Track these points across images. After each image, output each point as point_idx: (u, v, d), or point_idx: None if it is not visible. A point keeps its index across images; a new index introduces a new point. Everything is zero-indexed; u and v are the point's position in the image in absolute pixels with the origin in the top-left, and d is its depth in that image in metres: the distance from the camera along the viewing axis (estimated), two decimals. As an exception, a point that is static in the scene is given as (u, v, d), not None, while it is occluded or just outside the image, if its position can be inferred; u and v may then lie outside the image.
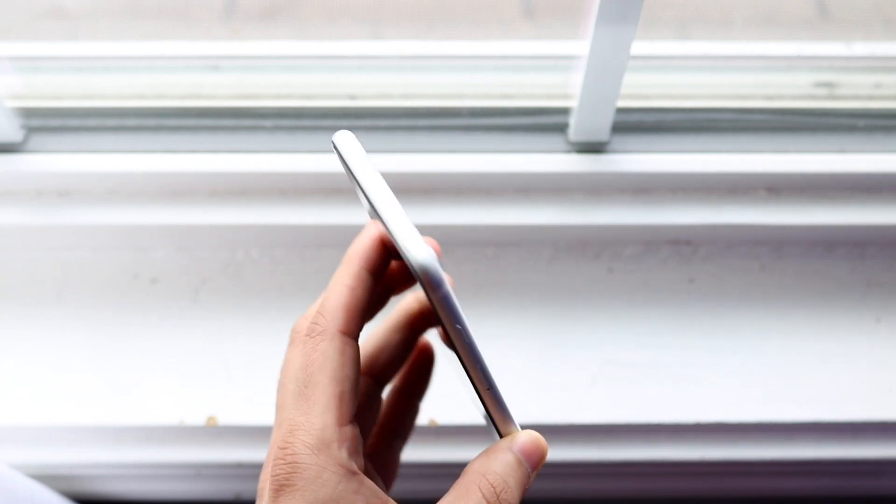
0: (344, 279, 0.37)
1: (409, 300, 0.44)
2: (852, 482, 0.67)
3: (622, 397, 0.60)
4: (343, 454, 0.34)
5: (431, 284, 0.33)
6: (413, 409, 0.46)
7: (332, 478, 0.34)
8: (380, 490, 0.35)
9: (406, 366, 0.46)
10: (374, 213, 0.36)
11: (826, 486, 0.67)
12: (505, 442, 0.37)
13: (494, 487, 0.35)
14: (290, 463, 0.34)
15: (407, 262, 0.34)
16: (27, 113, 0.62)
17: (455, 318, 0.34)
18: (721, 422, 0.59)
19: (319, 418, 0.35)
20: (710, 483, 0.67)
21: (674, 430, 0.60)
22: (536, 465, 0.36)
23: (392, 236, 0.34)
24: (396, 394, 0.46)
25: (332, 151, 0.38)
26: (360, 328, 0.37)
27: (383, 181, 0.36)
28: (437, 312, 0.34)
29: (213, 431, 0.59)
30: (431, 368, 0.46)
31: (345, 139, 0.37)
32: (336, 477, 0.34)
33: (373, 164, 0.37)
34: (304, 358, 0.36)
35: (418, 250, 0.33)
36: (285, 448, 0.34)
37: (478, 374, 0.35)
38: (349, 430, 0.35)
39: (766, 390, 0.60)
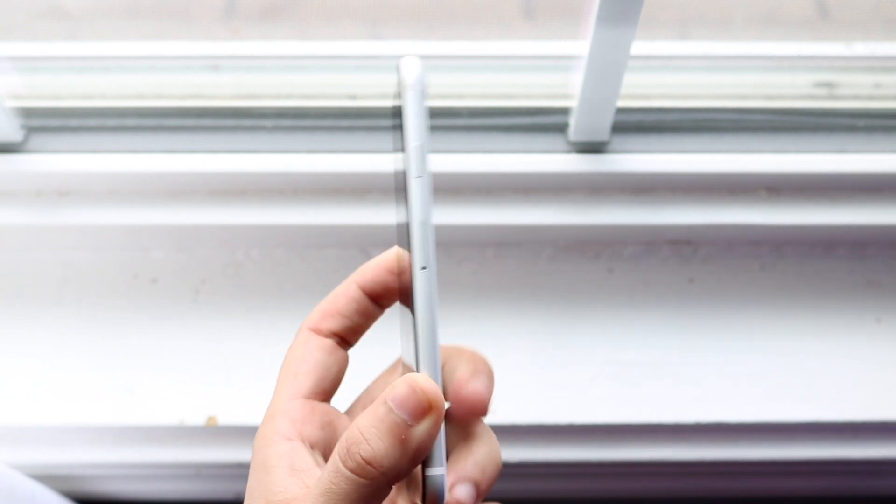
0: (336, 288, 0.41)
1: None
2: (852, 482, 0.67)
3: (622, 397, 0.60)
4: (283, 422, 0.38)
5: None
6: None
7: (264, 444, 0.38)
8: (311, 457, 0.37)
9: None
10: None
11: (826, 486, 0.67)
12: (387, 390, 0.35)
13: (346, 442, 0.34)
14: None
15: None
16: (27, 113, 0.62)
17: None
18: (721, 422, 0.59)
19: (274, 399, 0.39)
20: (710, 483, 0.67)
21: (674, 430, 0.60)
22: (416, 414, 0.34)
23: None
24: None
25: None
26: (331, 326, 0.41)
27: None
28: None
29: (213, 431, 0.59)
30: None
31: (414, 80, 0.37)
32: (267, 443, 0.37)
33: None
34: None
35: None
36: None
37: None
38: (298, 403, 0.39)
39: (766, 390, 0.60)
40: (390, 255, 0.41)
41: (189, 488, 0.66)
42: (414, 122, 0.35)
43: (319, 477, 0.35)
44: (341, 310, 0.41)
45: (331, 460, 0.34)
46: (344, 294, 0.41)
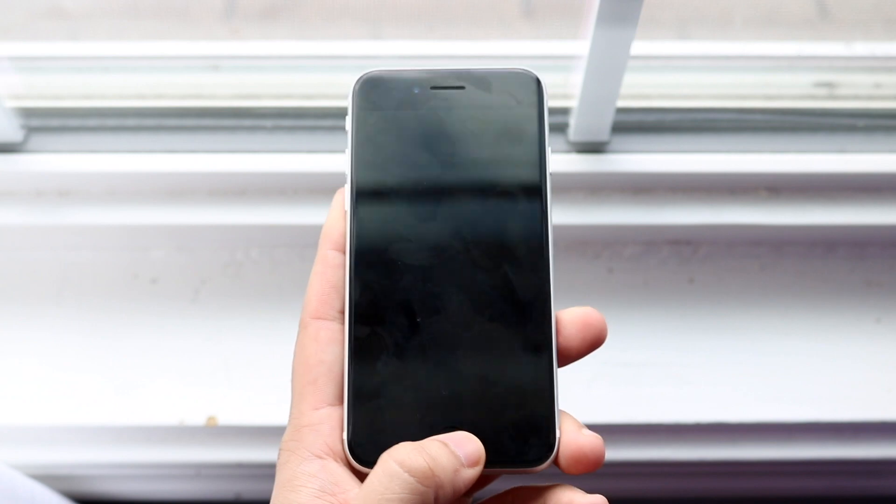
0: (315, 267, 0.39)
1: None
2: (852, 482, 0.67)
3: (622, 397, 0.60)
4: (310, 437, 0.36)
5: None
6: None
7: (293, 459, 0.36)
8: (344, 475, 0.36)
9: None
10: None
11: (826, 486, 0.67)
12: (448, 435, 0.37)
13: (392, 452, 0.35)
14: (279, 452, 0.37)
15: None
16: (27, 113, 0.62)
17: None
18: (721, 422, 0.59)
19: (297, 407, 0.37)
20: (710, 483, 0.67)
21: (674, 430, 0.60)
22: (471, 461, 0.36)
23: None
24: None
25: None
26: (336, 304, 0.38)
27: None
28: None
29: (213, 431, 0.59)
30: None
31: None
32: (297, 459, 0.36)
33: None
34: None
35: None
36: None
37: None
38: (324, 413, 0.37)
39: (766, 390, 0.60)
40: (339, 199, 0.39)
41: (189, 488, 0.66)
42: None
43: (365, 485, 0.34)
44: (333, 281, 0.38)
45: (381, 466, 0.34)
46: (326, 266, 0.38)
